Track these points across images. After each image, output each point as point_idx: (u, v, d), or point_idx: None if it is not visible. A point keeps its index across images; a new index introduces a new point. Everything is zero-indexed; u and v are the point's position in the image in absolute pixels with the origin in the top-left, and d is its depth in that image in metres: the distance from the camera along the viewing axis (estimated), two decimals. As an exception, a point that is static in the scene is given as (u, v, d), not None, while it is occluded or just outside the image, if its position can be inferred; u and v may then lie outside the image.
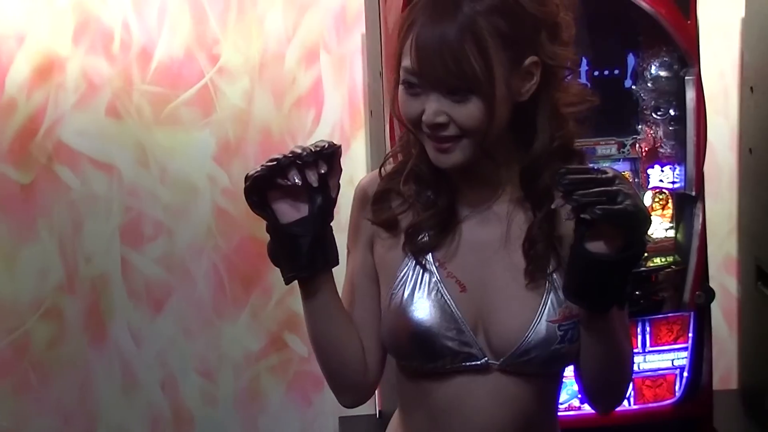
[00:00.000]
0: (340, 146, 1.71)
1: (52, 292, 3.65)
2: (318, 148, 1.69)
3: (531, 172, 1.73)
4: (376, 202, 1.80)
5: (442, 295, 1.73)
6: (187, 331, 3.71)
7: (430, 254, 1.75)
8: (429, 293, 1.74)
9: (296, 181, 1.67)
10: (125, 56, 3.56)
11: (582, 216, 1.58)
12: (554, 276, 1.72)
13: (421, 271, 1.75)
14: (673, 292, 2.94)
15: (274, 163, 1.68)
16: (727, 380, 3.77)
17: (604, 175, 1.60)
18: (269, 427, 3.79)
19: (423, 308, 1.73)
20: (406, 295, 1.74)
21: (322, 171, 1.68)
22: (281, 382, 3.77)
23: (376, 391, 3.68)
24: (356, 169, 3.68)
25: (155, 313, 3.69)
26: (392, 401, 1.97)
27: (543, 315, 1.71)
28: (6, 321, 3.64)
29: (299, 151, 1.68)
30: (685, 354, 2.99)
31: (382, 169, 1.81)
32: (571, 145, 1.75)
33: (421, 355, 1.74)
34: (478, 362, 1.73)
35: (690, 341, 2.98)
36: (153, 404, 3.74)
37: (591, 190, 1.58)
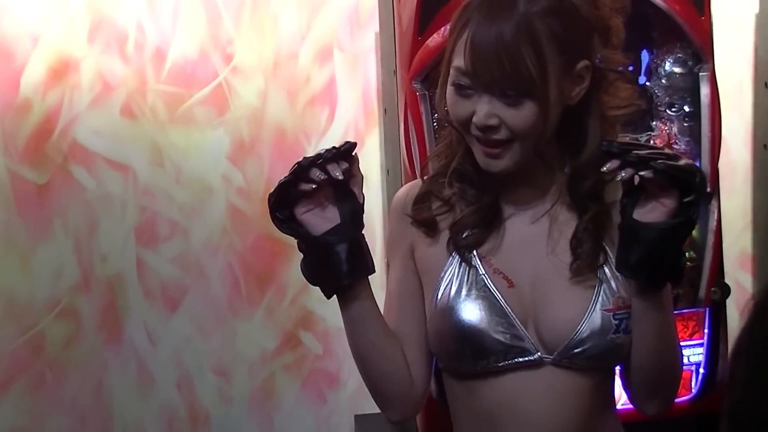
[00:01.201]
0: (355, 143, 1.70)
1: (68, 292, 3.65)
2: (335, 147, 1.68)
3: (579, 175, 1.72)
4: (416, 203, 1.78)
5: (490, 291, 1.71)
6: (202, 330, 3.71)
7: (475, 251, 1.73)
8: (477, 290, 1.72)
9: (321, 177, 1.65)
10: (139, 56, 3.56)
11: (641, 173, 1.57)
12: (605, 269, 1.71)
13: (467, 268, 1.73)
14: (688, 289, 2.94)
15: (296, 166, 1.67)
16: (742, 377, 3.75)
17: (650, 144, 1.61)
18: (284, 425, 3.79)
19: (471, 305, 1.71)
20: (452, 293, 1.72)
21: (344, 167, 1.67)
22: (296, 380, 3.77)
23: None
24: (370, 167, 3.67)
25: (170, 312, 3.69)
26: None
27: (596, 304, 1.70)
28: (22, 320, 3.65)
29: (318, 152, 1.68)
30: (700, 350, 2.98)
31: (424, 171, 1.81)
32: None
33: (472, 354, 1.72)
34: (531, 357, 1.71)
35: (705, 337, 2.97)
36: (168, 403, 3.75)
37: (646, 150, 1.59)
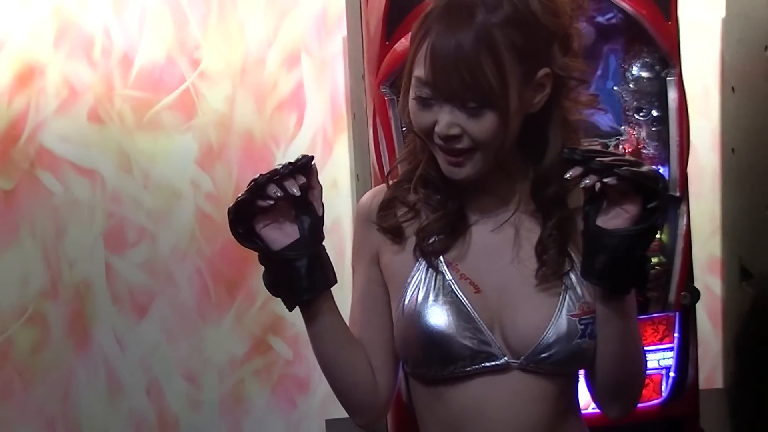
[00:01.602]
0: (312, 157, 1.69)
1: (36, 298, 3.63)
2: (291, 163, 1.67)
3: (542, 182, 1.72)
4: (382, 209, 1.78)
5: (457, 296, 1.71)
6: (171, 335, 3.70)
7: (441, 257, 1.73)
8: (443, 295, 1.71)
9: (278, 194, 1.65)
10: (106, 61, 3.55)
11: (604, 180, 1.57)
12: (571, 275, 1.71)
13: (434, 274, 1.73)
14: (658, 293, 2.95)
15: (252, 184, 1.67)
16: (712, 380, 3.78)
17: (612, 151, 1.61)
18: (254, 430, 3.78)
19: (438, 310, 1.71)
20: (420, 299, 1.72)
21: (301, 181, 1.66)
22: (266, 385, 3.76)
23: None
24: (339, 173, 3.68)
25: (139, 318, 3.68)
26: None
27: (563, 309, 1.70)
28: (-11, 327, 3.63)
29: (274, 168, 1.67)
30: (671, 354, 2.98)
31: (388, 177, 1.80)
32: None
33: (439, 359, 1.71)
34: (498, 362, 1.71)
35: (676, 341, 2.98)
36: (137, 409, 3.73)
37: (609, 157, 1.59)
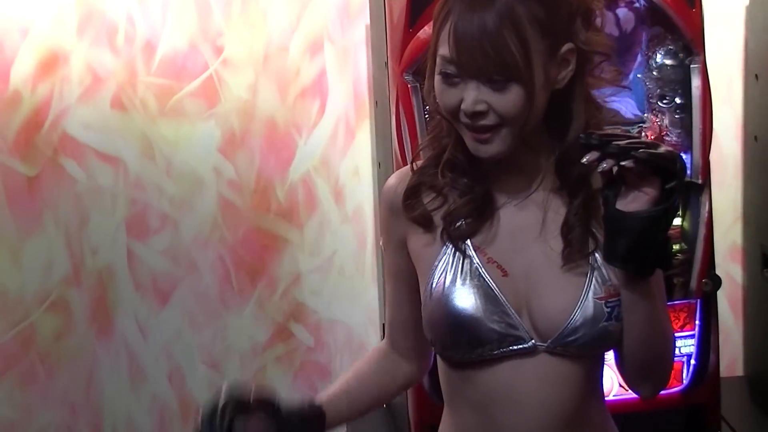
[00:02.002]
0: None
1: (59, 285, 3.65)
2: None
3: (566, 159, 1.72)
4: (408, 197, 1.78)
5: (484, 280, 1.71)
6: (193, 322, 3.71)
7: (468, 241, 1.74)
8: (471, 279, 1.72)
9: None
10: (129, 49, 3.56)
11: (622, 163, 1.58)
12: (596, 255, 1.71)
13: (461, 258, 1.73)
14: (679, 280, 2.94)
15: None
16: (733, 368, 3.77)
17: (628, 133, 1.61)
18: (276, 417, 3.78)
19: (466, 294, 1.71)
20: (447, 282, 1.72)
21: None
22: (288, 372, 3.77)
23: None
24: (361, 160, 3.68)
25: (161, 305, 3.69)
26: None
27: (589, 293, 1.70)
28: (12, 313, 3.65)
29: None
30: (692, 341, 2.99)
31: (414, 164, 1.80)
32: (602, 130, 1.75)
33: (467, 342, 1.72)
34: (526, 345, 1.72)
35: (697, 329, 2.98)
36: (160, 396, 3.75)
37: (625, 140, 1.59)
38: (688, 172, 2.98)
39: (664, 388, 1.83)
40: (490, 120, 1.65)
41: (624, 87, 1.78)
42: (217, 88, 3.61)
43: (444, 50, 1.65)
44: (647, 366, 1.76)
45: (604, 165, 1.59)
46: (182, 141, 3.63)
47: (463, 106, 1.65)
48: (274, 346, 3.76)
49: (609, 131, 1.66)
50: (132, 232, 3.65)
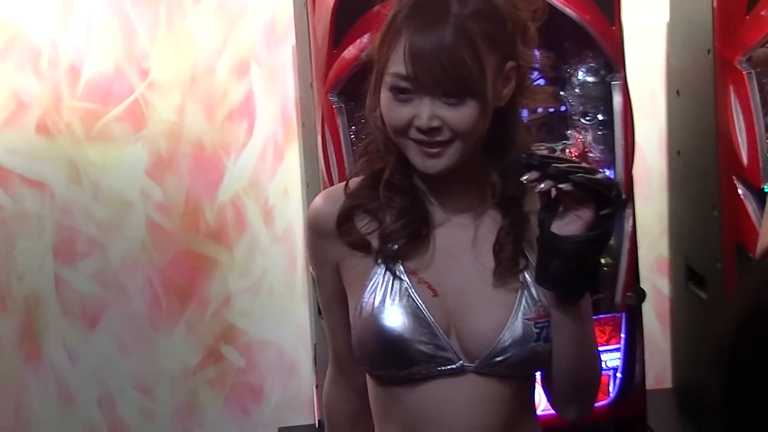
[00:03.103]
0: None
1: (-15, 311, 3.61)
2: None
3: (503, 177, 1.74)
4: (343, 222, 1.78)
5: (414, 300, 1.72)
6: (122, 346, 3.68)
7: (400, 262, 1.75)
8: (400, 299, 1.72)
9: None
10: (54, 73, 3.53)
11: (560, 186, 1.60)
12: (526, 275, 1.73)
13: (392, 278, 1.73)
14: (604, 294, 2.97)
15: None
16: (662, 379, 3.82)
17: (569, 158, 1.63)
18: (208, 440, 3.77)
19: (395, 315, 1.71)
20: (377, 303, 1.73)
21: None
22: (219, 394, 3.76)
23: (315, 401, 3.72)
24: (290, 181, 3.68)
25: (90, 329, 3.66)
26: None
27: (518, 313, 1.71)
28: (-62, 342, 3.60)
29: None
30: (617, 355, 3.01)
31: (347, 186, 1.79)
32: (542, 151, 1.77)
33: (395, 363, 1.72)
34: (454, 366, 1.72)
35: (623, 342, 3.01)
36: (90, 421, 3.71)
37: (565, 164, 1.62)
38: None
39: (588, 413, 1.84)
40: (444, 135, 1.67)
41: (555, 108, 1.79)
42: (143, 111, 3.60)
43: (397, 68, 1.66)
44: (574, 389, 1.78)
45: (542, 186, 1.62)
46: (109, 165, 3.60)
47: (417, 123, 1.66)
48: (205, 368, 3.74)
49: (550, 154, 1.68)
50: (59, 256, 3.62)
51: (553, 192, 1.63)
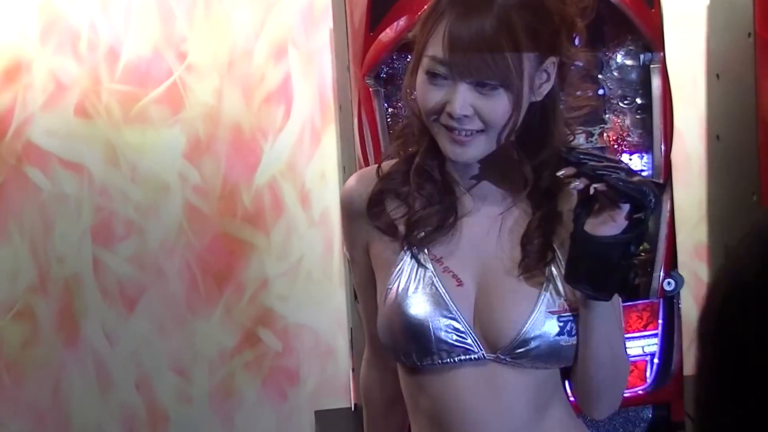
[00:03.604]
0: None
1: (24, 293, 3.64)
2: None
3: (535, 173, 1.72)
4: (373, 205, 1.78)
5: (437, 290, 1.72)
6: (161, 329, 3.70)
7: (426, 250, 1.74)
8: (424, 288, 1.72)
9: None
10: (93, 56, 3.55)
11: (594, 186, 1.59)
12: (552, 268, 1.71)
13: (417, 266, 1.73)
14: (642, 281, 2.95)
15: None
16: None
17: (610, 157, 1.62)
18: (245, 423, 3.78)
19: (418, 302, 1.71)
20: (400, 290, 1.73)
21: None
22: (256, 377, 3.77)
23: (351, 385, 3.72)
24: (327, 164, 3.68)
25: (128, 312, 3.68)
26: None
27: (542, 306, 1.70)
28: (-22, 323, 3.64)
29: None
30: (655, 341, 3.00)
31: (380, 169, 1.80)
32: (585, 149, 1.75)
33: (417, 350, 1.72)
34: (475, 355, 1.71)
35: (660, 328, 2.99)
36: (128, 404, 3.73)
37: (603, 163, 1.60)
38: (649, 173, 3.00)
39: (613, 412, 1.83)
40: (474, 125, 1.66)
41: (595, 107, 1.78)
42: (181, 94, 3.61)
43: (435, 51, 1.65)
44: (599, 388, 1.76)
45: (577, 183, 1.60)
46: (147, 147, 3.62)
47: (449, 109, 1.66)
48: (243, 352, 3.75)
49: (591, 151, 1.67)
50: (98, 239, 3.64)
51: (592, 189, 1.61)
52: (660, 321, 2.99)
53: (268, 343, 3.75)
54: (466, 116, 1.65)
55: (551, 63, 1.68)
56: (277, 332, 3.74)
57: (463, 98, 1.64)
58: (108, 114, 3.58)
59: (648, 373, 3.01)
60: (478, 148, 1.68)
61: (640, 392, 2.99)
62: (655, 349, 2.99)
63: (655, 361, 2.99)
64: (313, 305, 3.74)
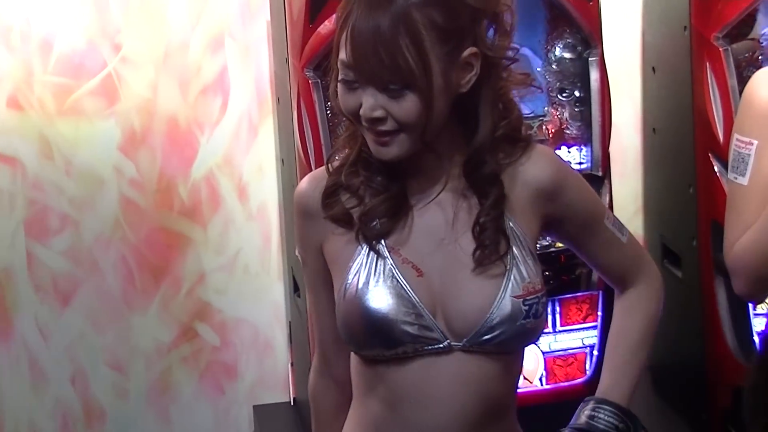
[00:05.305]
0: None
1: (-44, 288, 3.58)
2: None
3: (474, 161, 1.72)
4: (326, 197, 1.77)
5: (398, 281, 1.70)
6: (96, 324, 3.66)
7: (383, 241, 1.73)
8: (385, 280, 1.71)
9: None
10: (25, 47, 3.49)
11: None
12: (514, 251, 1.71)
13: (375, 258, 1.72)
14: (581, 272, 2.97)
15: None
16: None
17: None
18: (182, 418, 3.76)
19: (379, 295, 1.70)
20: (360, 284, 1.71)
21: None
22: (193, 372, 3.74)
23: (290, 379, 3.71)
24: (265, 157, 3.66)
25: (63, 306, 3.63)
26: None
27: (507, 291, 1.70)
28: None
29: None
30: (594, 333, 3.02)
31: (329, 164, 1.79)
32: (517, 132, 1.75)
33: (381, 343, 1.71)
34: (441, 345, 1.71)
35: (599, 320, 3.01)
36: (63, 399, 3.69)
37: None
38: (588, 166, 3.02)
39: None
40: (388, 125, 1.65)
41: (536, 87, 1.78)
42: (116, 86, 3.56)
43: (343, 54, 1.64)
44: None
45: None
46: (82, 140, 3.57)
47: (361, 112, 1.65)
48: (180, 346, 3.72)
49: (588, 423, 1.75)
50: (31, 233, 3.59)
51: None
52: (600, 313, 3.01)
53: (205, 338, 3.72)
54: (377, 119, 1.65)
55: (471, 54, 1.66)
56: (215, 326, 3.71)
57: (372, 102, 1.64)
58: (41, 106, 3.53)
59: (588, 366, 3.03)
60: (401, 147, 1.67)
61: (580, 384, 3.01)
62: (594, 341, 3.01)
63: (595, 353, 3.01)
64: (250, 299, 3.72)
